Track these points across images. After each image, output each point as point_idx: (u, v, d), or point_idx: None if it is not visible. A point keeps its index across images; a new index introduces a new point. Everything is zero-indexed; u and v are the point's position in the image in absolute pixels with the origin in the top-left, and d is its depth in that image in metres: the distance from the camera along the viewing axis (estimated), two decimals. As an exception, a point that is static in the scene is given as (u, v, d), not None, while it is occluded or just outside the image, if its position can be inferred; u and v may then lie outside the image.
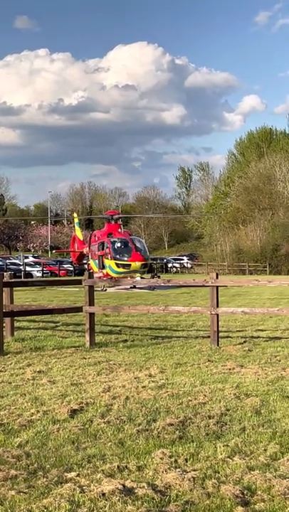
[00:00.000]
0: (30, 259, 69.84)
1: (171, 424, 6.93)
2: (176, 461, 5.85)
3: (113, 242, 38.31)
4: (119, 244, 38.21)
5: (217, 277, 13.15)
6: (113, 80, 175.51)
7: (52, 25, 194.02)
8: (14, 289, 15.72)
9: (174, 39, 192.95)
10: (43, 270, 61.14)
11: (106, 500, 4.98)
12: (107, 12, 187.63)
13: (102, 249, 38.87)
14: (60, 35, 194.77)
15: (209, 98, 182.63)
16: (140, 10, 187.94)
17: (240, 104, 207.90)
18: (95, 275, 35.51)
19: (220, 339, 13.14)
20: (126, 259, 37.40)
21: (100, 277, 35.30)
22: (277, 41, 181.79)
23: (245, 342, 13.52)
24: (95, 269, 38.63)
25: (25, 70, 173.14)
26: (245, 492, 5.10)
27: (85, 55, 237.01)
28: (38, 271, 61.10)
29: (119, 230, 41.04)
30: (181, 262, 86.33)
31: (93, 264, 39.18)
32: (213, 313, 12.96)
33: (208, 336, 13.46)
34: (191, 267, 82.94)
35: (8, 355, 12.09)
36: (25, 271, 57.22)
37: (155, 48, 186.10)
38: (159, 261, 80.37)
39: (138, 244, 39.11)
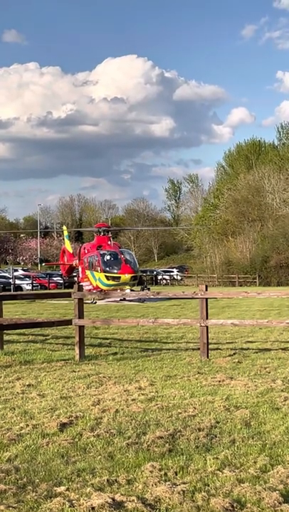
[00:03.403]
0: (20, 272, 69.65)
1: (161, 437, 6.92)
2: (165, 474, 5.83)
3: (103, 255, 38.25)
4: (108, 257, 38.15)
5: (206, 289, 13.17)
6: (102, 93, 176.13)
7: (41, 39, 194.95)
8: (4, 302, 15.69)
9: (164, 53, 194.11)
10: (32, 283, 60.94)
11: (95, 514, 4.96)
12: (98, 25, 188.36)
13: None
14: (49, 49, 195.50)
15: (198, 111, 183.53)
16: (131, 24, 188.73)
17: (229, 116, 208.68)
18: (85, 287, 35.40)
19: (210, 351, 13.14)
20: (116, 271, 37.34)
21: (89, 290, 35.24)
22: (264, 54, 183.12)
23: (234, 354, 13.53)
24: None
25: (14, 83, 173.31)
26: (234, 505, 5.09)
27: (74, 68, 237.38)
28: (27, 284, 60.93)
29: (109, 242, 41.01)
30: (171, 274, 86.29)
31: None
32: (202, 325, 12.96)
33: (198, 348, 13.46)
34: (181, 279, 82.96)
35: (-2, 369, 12.04)
36: (14, 284, 57.06)
37: (145, 61, 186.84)
38: (148, 273, 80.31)
39: (128, 257, 39.07)
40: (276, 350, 14.14)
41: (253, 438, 6.94)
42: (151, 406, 8.48)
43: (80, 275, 41.86)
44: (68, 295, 14.42)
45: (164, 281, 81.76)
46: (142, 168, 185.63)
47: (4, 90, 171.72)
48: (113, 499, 5.19)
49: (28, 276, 64.52)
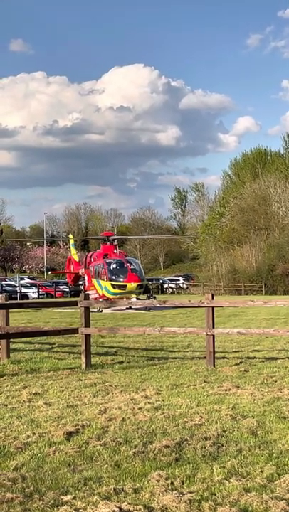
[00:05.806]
0: (26, 280, 69.78)
1: (168, 446, 6.92)
2: (172, 483, 5.83)
3: (109, 263, 38.28)
4: (114, 266, 38.18)
5: (213, 298, 13.17)
6: (108, 102, 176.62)
7: (47, 48, 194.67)
8: (10, 310, 15.72)
9: (171, 62, 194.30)
10: (38, 291, 61.07)
11: (102, 523, 4.96)
12: (104, 34, 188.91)
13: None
14: (56, 58, 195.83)
15: (204, 119, 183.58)
16: (137, 33, 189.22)
17: (235, 125, 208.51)
18: (91, 296, 35.40)
19: (216, 360, 13.13)
20: (122, 280, 37.36)
21: (95, 298, 35.25)
22: (269, 64, 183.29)
23: (241, 363, 13.51)
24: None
25: (21, 92, 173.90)
26: (241, 514, 5.09)
27: (80, 77, 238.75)
28: (33, 292, 61.04)
29: (115, 251, 41.05)
30: (177, 282, 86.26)
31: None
32: (209, 334, 12.96)
33: (204, 357, 13.45)
34: (187, 288, 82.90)
35: (4, 377, 12.05)
36: (21, 292, 57.15)
37: (151, 71, 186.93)
38: (154, 282, 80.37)
39: (134, 265, 39.08)
40: (283, 359, 14.11)
41: (259, 447, 6.93)
42: (157, 415, 8.48)
43: (86, 284, 41.91)
44: (74, 304, 14.45)
45: (170, 289, 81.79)
46: (147, 176, 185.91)
47: (11, 99, 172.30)
48: (120, 508, 5.19)
49: (35, 285, 64.68)
